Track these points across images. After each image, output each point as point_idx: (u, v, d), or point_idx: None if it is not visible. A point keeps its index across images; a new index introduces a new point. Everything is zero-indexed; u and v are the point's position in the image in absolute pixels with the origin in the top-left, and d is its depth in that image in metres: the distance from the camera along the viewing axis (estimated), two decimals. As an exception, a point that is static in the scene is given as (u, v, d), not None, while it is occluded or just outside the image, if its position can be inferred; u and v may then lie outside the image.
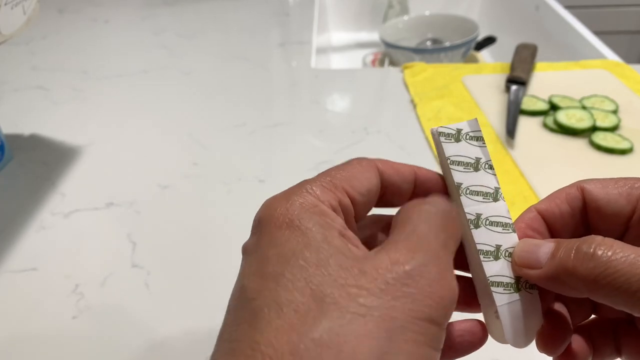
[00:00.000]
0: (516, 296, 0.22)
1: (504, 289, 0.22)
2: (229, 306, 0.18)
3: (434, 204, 0.20)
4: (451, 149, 0.23)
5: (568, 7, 0.93)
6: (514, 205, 0.49)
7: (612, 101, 0.63)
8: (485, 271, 0.22)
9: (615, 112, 0.62)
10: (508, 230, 0.23)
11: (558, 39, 0.89)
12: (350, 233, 0.19)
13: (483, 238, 0.22)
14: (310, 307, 0.16)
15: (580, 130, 0.58)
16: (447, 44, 0.90)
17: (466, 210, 0.22)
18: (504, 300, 0.22)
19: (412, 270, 0.17)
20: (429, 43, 0.99)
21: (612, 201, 0.22)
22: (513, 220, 0.23)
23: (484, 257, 0.22)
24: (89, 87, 0.75)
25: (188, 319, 0.40)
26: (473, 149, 0.23)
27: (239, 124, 0.65)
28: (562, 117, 0.59)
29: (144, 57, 0.84)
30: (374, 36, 1.09)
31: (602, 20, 1.59)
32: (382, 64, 0.98)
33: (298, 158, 0.58)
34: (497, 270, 0.22)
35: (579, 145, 0.57)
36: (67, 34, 0.94)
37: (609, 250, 0.18)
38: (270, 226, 0.19)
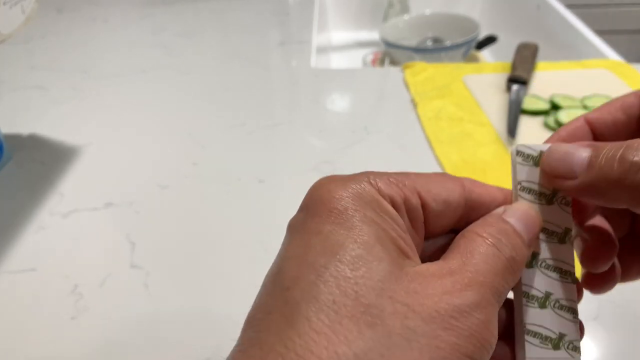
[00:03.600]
0: (552, 354, 0.19)
1: (540, 342, 0.19)
2: (263, 285, 0.17)
3: (505, 243, 0.18)
4: (524, 173, 0.20)
5: (569, 7, 0.93)
6: (515, 205, 0.49)
7: (614, 101, 0.63)
8: (525, 317, 0.20)
9: (616, 111, 0.61)
10: (566, 279, 0.20)
11: (559, 39, 0.89)
12: (408, 239, 0.18)
13: (533, 281, 0.20)
14: (354, 314, 0.15)
15: (582, 130, 0.58)
16: (448, 43, 0.89)
17: None
18: (537, 354, 0.19)
19: (462, 305, 0.16)
20: (429, 42, 0.99)
21: (610, 120, 0.20)
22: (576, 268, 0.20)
23: (527, 301, 0.20)
24: (88, 86, 0.75)
25: (188, 319, 0.40)
26: (564, 216, 0.20)
27: (239, 124, 0.64)
28: (564, 116, 0.59)
29: (143, 56, 0.84)
30: (374, 35, 1.08)
31: (603, 19, 1.59)
32: (382, 63, 0.98)
33: (298, 158, 0.58)
34: (539, 320, 0.19)
35: (580, 145, 0.57)
36: (66, 33, 0.94)
37: None
38: (321, 208, 0.17)
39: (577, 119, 0.21)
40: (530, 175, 0.20)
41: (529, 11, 0.99)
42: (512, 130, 0.58)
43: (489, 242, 0.18)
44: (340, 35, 1.15)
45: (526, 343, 0.19)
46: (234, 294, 0.41)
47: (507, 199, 0.21)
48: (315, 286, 0.15)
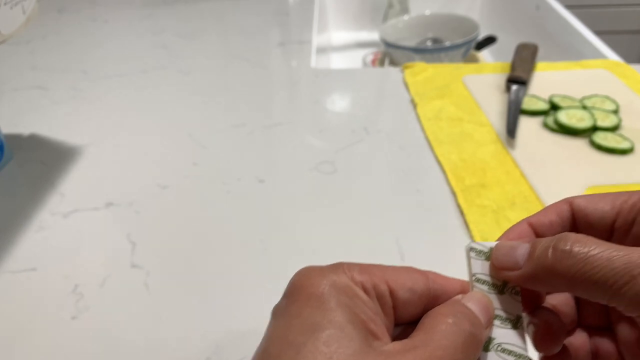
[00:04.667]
0: None
1: None
2: None
3: (464, 321, 0.20)
4: (478, 267, 0.23)
5: (569, 7, 0.93)
6: (515, 205, 0.49)
7: (613, 101, 0.63)
8: None
9: (615, 112, 0.62)
10: None
11: (558, 39, 0.89)
12: (378, 321, 0.20)
13: None
14: None
15: (581, 130, 0.58)
16: (448, 43, 0.89)
17: None
18: None
19: None
20: (429, 43, 0.99)
21: (598, 208, 0.23)
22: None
23: None
24: (89, 87, 0.75)
25: (188, 319, 0.40)
26: (514, 304, 0.23)
27: (239, 124, 0.64)
28: (563, 117, 0.59)
29: (144, 57, 0.84)
30: (374, 36, 1.08)
31: (602, 20, 1.59)
32: (382, 63, 0.98)
33: (298, 158, 0.58)
34: None
35: (579, 145, 0.57)
36: (66, 33, 0.94)
37: (585, 247, 0.19)
38: (301, 295, 0.20)
39: (520, 222, 0.24)
40: (483, 268, 0.23)
41: (529, 11, 1.00)
42: (511, 130, 0.59)
43: (449, 321, 0.20)
44: (340, 35, 1.15)
45: None
46: (234, 293, 0.42)
47: (465, 289, 0.23)
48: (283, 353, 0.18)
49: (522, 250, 0.22)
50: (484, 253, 0.23)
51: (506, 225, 0.34)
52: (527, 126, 0.61)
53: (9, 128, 0.65)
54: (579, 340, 0.24)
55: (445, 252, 0.45)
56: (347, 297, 0.20)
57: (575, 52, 0.83)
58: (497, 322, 0.22)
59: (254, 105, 0.69)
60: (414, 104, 0.67)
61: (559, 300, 0.25)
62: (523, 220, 0.24)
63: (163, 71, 0.79)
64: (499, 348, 0.22)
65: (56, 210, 0.51)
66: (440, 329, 0.20)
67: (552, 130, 0.59)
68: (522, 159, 0.55)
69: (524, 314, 0.23)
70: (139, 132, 0.64)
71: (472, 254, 0.23)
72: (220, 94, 0.72)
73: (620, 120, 0.59)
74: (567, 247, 0.20)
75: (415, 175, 0.54)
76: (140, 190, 0.54)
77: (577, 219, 0.23)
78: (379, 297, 0.21)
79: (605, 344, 0.24)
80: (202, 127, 0.64)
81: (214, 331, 0.39)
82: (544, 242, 0.21)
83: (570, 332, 0.25)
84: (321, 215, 0.50)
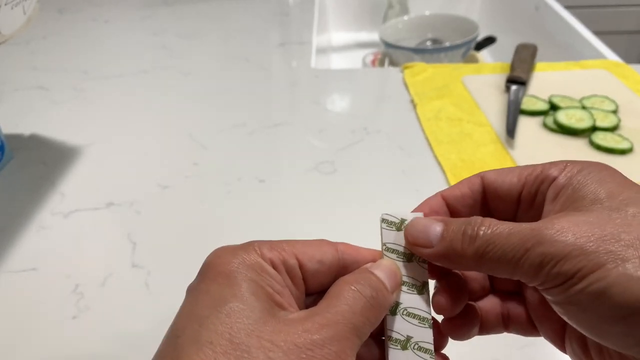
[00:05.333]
0: None
1: None
2: (163, 339, 0.21)
3: (366, 286, 0.22)
4: (389, 236, 0.25)
5: (568, 7, 0.93)
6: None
7: (612, 101, 0.63)
8: (389, 357, 0.23)
9: (615, 112, 0.62)
10: (424, 324, 0.23)
11: (558, 39, 0.89)
12: (285, 293, 0.22)
13: (396, 326, 0.23)
14: (227, 350, 0.18)
15: (580, 130, 0.58)
16: (447, 44, 0.90)
17: None
18: None
19: (318, 340, 0.19)
20: (429, 43, 0.99)
21: (506, 181, 0.24)
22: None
23: (391, 344, 0.23)
24: (89, 87, 0.75)
25: (188, 319, 0.40)
26: (421, 271, 0.24)
27: (239, 124, 0.65)
28: (562, 117, 0.59)
29: (144, 57, 0.84)
30: (374, 36, 1.09)
31: (602, 20, 1.59)
32: (382, 64, 0.98)
33: (298, 158, 0.58)
34: (401, 359, 0.23)
35: (578, 145, 0.57)
36: (67, 34, 0.94)
37: (488, 229, 0.21)
38: (211, 273, 0.21)
39: (434, 195, 0.26)
40: (394, 238, 0.25)
41: (528, 12, 1.00)
42: (511, 130, 0.59)
43: (352, 288, 0.21)
44: (340, 36, 1.15)
45: None
46: (235, 293, 0.42)
47: (376, 258, 0.25)
48: (198, 332, 0.19)
49: (435, 230, 0.23)
50: (395, 224, 0.25)
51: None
52: (527, 126, 0.61)
53: (10, 128, 0.65)
54: (488, 304, 0.26)
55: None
56: (254, 272, 0.21)
57: (575, 52, 0.83)
58: (404, 288, 0.24)
59: (254, 105, 0.69)
60: (413, 104, 0.67)
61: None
62: (437, 193, 0.26)
63: (163, 71, 0.79)
64: (405, 312, 0.23)
65: (57, 210, 0.51)
66: (343, 295, 0.21)
67: (552, 130, 0.60)
68: (522, 159, 0.55)
69: (430, 281, 0.24)
70: (139, 132, 0.64)
71: (384, 225, 0.25)
72: (221, 94, 0.72)
73: (619, 120, 0.60)
74: (474, 232, 0.21)
75: (414, 175, 0.54)
76: (140, 190, 0.54)
77: (487, 192, 0.25)
78: (289, 271, 0.22)
79: (516, 308, 0.26)
80: (203, 127, 0.64)
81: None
82: (455, 225, 0.22)
83: (481, 297, 0.26)
84: (321, 215, 0.50)
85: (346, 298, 0.21)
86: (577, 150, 0.56)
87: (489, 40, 0.96)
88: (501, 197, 0.25)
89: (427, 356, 0.23)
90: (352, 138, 0.61)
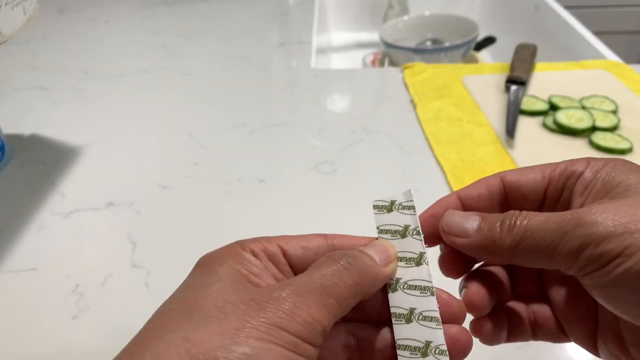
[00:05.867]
0: None
1: (410, 353, 0.22)
2: None
3: (341, 255, 0.22)
4: (382, 219, 0.25)
5: (568, 7, 0.93)
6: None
7: (612, 101, 0.63)
8: (395, 334, 0.22)
9: (614, 112, 0.62)
10: (426, 293, 0.23)
11: (558, 39, 0.89)
12: (263, 275, 0.22)
13: (398, 301, 0.23)
14: (181, 312, 0.19)
15: (580, 130, 0.58)
16: (447, 44, 0.90)
17: None
18: None
19: (277, 295, 0.19)
20: (428, 43, 0.99)
21: (529, 179, 0.24)
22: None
23: (395, 320, 0.23)
24: (89, 87, 0.75)
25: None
26: (403, 217, 0.25)
27: (239, 124, 0.65)
28: (562, 117, 0.60)
29: (144, 57, 0.84)
30: (374, 36, 1.09)
31: (602, 20, 1.59)
32: (382, 64, 0.98)
33: (298, 158, 0.58)
34: (407, 333, 0.22)
35: (578, 145, 0.57)
36: (67, 34, 0.94)
37: (525, 219, 0.21)
38: (195, 268, 0.23)
39: (450, 195, 0.26)
40: (386, 220, 0.25)
41: (528, 12, 1.00)
42: (511, 130, 0.59)
43: (327, 257, 0.21)
44: (340, 36, 1.15)
45: (399, 357, 0.22)
46: (235, 293, 0.42)
47: (369, 241, 0.24)
48: (162, 307, 0.21)
49: (472, 221, 0.23)
50: (386, 207, 0.25)
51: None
52: (527, 126, 0.61)
53: (10, 128, 0.65)
54: (514, 309, 0.25)
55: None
56: (232, 260, 0.21)
57: (575, 52, 0.83)
58: (402, 264, 0.24)
59: (254, 105, 0.69)
60: (413, 104, 0.67)
61: (494, 270, 0.26)
62: (453, 192, 0.26)
63: (163, 71, 0.79)
64: (405, 286, 0.23)
65: (57, 210, 0.51)
66: (316, 264, 0.21)
67: (552, 130, 0.60)
68: (522, 159, 0.55)
69: (425, 250, 0.24)
70: (139, 132, 0.64)
71: (375, 211, 0.25)
72: (221, 94, 0.72)
73: (619, 120, 0.60)
74: (512, 222, 0.21)
75: (414, 175, 0.55)
76: (140, 190, 0.54)
77: (509, 193, 0.25)
78: (271, 257, 0.23)
79: (542, 311, 0.25)
80: (203, 127, 0.64)
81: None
82: (492, 217, 0.23)
83: (505, 301, 0.26)
84: (321, 215, 0.50)
85: (319, 265, 0.21)
86: (576, 150, 0.56)
87: (489, 40, 0.96)
88: (525, 196, 0.24)
89: (432, 324, 0.22)
90: (352, 138, 0.61)
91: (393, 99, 0.70)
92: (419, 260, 0.24)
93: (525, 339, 0.25)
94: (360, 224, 0.49)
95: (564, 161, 0.24)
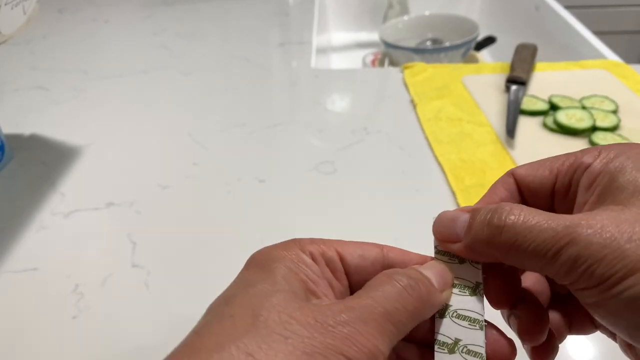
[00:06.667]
0: None
1: None
2: None
3: (404, 276, 0.21)
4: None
5: (568, 7, 0.93)
6: (514, 205, 0.49)
7: (612, 101, 0.63)
8: None
9: (615, 112, 0.62)
10: (475, 326, 0.22)
11: (558, 39, 0.89)
12: (320, 283, 0.21)
13: (444, 329, 0.22)
14: (245, 322, 0.18)
15: (580, 130, 0.58)
16: (447, 44, 0.90)
17: None
18: None
19: (342, 319, 0.18)
20: (429, 43, 0.99)
21: (537, 175, 0.23)
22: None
23: (438, 347, 0.22)
24: (89, 87, 0.75)
25: (188, 319, 0.40)
26: (475, 272, 0.23)
27: (239, 124, 0.65)
28: (562, 117, 0.60)
29: (144, 57, 0.84)
30: (374, 36, 1.09)
31: (602, 20, 1.59)
32: (382, 64, 0.98)
33: (298, 158, 0.58)
34: None
35: (578, 145, 0.57)
36: (67, 34, 0.94)
37: (518, 218, 0.20)
38: (247, 265, 0.22)
39: (506, 174, 0.24)
40: None
41: (528, 12, 1.00)
42: (511, 130, 0.59)
43: (390, 277, 0.21)
44: (340, 36, 1.15)
45: None
46: (235, 293, 0.42)
47: (425, 262, 0.23)
48: (222, 309, 0.20)
49: (462, 220, 0.22)
50: None
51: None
52: (527, 126, 0.61)
53: (10, 128, 0.65)
54: (554, 316, 0.24)
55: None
56: (290, 262, 0.21)
57: (575, 52, 0.83)
58: (456, 290, 0.23)
59: (254, 105, 0.69)
60: (413, 104, 0.67)
61: (532, 279, 0.25)
62: (476, 203, 0.24)
63: (163, 71, 0.79)
64: (454, 314, 0.22)
65: (57, 210, 0.51)
66: (377, 282, 0.20)
67: (552, 130, 0.60)
68: (522, 159, 0.55)
69: (482, 281, 0.23)
70: (139, 132, 0.64)
71: None
72: (221, 94, 0.72)
73: (619, 120, 0.60)
74: (501, 221, 0.20)
75: (414, 175, 0.54)
76: (140, 190, 0.54)
77: (521, 189, 0.24)
78: (328, 262, 0.22)
79: (576, 311, 0.24)
80: (203, 127, 0.64)
81: (214, 330, 0.39)
82: (481, 214, 0.21)
83: (547, 309, 0.24)
84: (321, 215, 0.50)
85: (380, 285, 0.20)
86: (577, 150, 0.56)
87: (489, 40, 0.96)
88: (534, 193, 0.23)
89: (476, 359, 0.21)
90: (352, 138, 0.61)
91: (393, 99, 0.70)
92: (474, 290, 0.23)
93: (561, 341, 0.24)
94: (360, 224, 0.49)
95: (575, 152, 0.23)
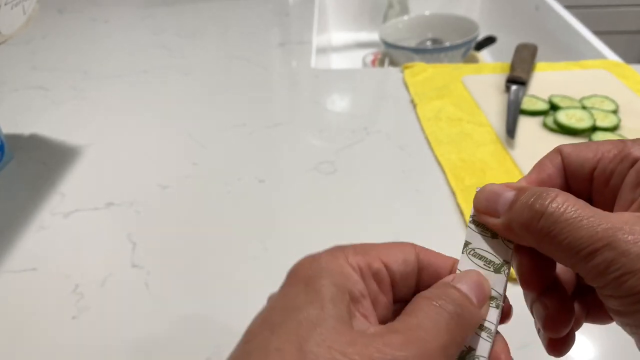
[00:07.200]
0: None
1: None
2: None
3: (449, 302, 0.20)
4: (480, 242, 0.23)
5: (568, 7, 0.93)
6: (514, 205, 0.49)
7: (612, 101, 0.63)
8: None
9: (615, 112, 0.62)
10: (491, 304, 0.22)
11: (558, 39, 0.89)
12: (365, 302, 0.20)
13: None
14: (293, 355, 0.17)
15: (580, 130, 0.58)
16: (447, 44, 0.90)
17: None
18: None
19: (401, 357, 0.17)
20: (429, 43, 0.99)
21: (580, 155, 0.22)
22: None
23: None
24: (89, 87, 0.75)
25: (188, 319, 0.40)
26: (508, 251, 0.22)
27: (239, 124, 0.65)
28: (562, 117, 0.59)
29: (144, 57, 0.84)
30: (374, 36, 1.09)
31: (602, 20, 1.59)
32: (382, 64, 0.98)
33: (298, 158, 0.58)
34: None
35: (579, 145, 0.57)
36: (67, 34, 0.94)
37: (559, 208, 0.19)
38: (292, 279, 0.20)
39: (520, 181, 0.23)
40: (485, 245, 0.23)
41: (528, 12, 1.00)
42: (511, 130, 0.59)
43: (434, 304, 0.19)
44: (340, 35, 1.15)
45: None
46: (234, 293, 0.42)
47: (454, 265, 0.23)
48: (268, 339, 0.18)
49: (505, 197, 0.21)
50: (491, 230, 0.23)
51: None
52: (527, 126, 0.61)
53: (9, 128, 0.65)
54: (575, 306, 0.24)
55: (444, 252, 0.45)
56: (336, 278, 0.20)
57: (575, 52, 0.83)
58: (480, 262, 0.22)
59: (254, 105, 0.69)
60: (413, 104, 0.67)
61: (561, 266, 0.24)
62: (521, 179, 0.23)
63: (163, 71, 0.79)
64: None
65: (56, 210, 0.51)
66: (423, 311, 0.19)
67: (552, 130, 0.60)
68: (522, 159, 0.55)
69: (512, 260, 0.22)
70: (139, 132, 0.64)
71: (473, 227, 0.23)
72: (220, 94, 0.72)
73: (619, 120, 0.59)
74: (543, 207, 0.19)
75: (414, 175, 0.54)
76: (140, 190, 0.54)
77: (565, 167, 0.23)
78: (375, 275, 0.21)
79: (596, 303, 0.23)
80: (202, 127, 0.64)
81: (214, 331, 0.39)
82: (526, 195, 0.20)
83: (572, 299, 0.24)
84: (321, 215, 0.50)
85: (427, 314, 0.19)
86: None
87: (489, 40, 0.96)
88: (574, 173, 0.22)
89: (485, 335, 0.21)
90: (352, 138, 0.61)
91: (393, 99, 0.70)
92: (499, 268, 0.22)
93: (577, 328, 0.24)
94: (360, 224, 0.49)
95: (626, 140, 0.21)
